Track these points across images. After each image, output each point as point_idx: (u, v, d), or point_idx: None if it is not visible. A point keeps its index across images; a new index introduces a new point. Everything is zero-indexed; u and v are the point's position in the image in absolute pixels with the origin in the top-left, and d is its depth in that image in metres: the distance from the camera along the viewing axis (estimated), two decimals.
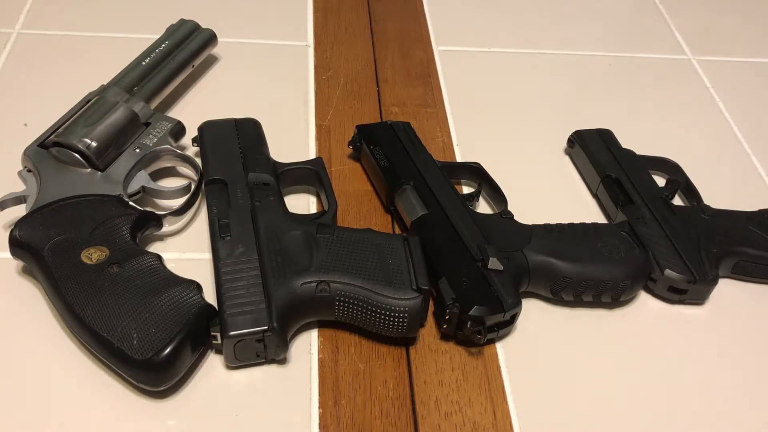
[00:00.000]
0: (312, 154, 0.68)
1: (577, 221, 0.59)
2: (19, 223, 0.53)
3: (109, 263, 0.50)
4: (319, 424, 0.49)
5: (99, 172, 0.57)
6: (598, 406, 0.51)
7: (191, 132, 0.64)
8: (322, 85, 0.76)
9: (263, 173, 0.59)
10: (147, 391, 0.48)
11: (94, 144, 0.57)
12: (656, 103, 0.79)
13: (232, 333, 0.48)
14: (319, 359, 0.52)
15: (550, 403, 0.51)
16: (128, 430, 0.47)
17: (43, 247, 0.51)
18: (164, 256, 0.53)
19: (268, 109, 0.69)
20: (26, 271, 0.55)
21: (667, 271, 0.57)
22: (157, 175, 0.62)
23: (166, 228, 0.58)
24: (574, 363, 0.54)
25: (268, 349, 0.49)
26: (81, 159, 0.57)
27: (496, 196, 0.62)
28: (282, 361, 0.51)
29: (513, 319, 0.53)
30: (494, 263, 0.53)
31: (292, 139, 0.69)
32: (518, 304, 0.52)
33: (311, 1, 0.87)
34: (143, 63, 0.67)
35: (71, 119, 0.60)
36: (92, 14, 0.81)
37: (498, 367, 0.53)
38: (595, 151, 0.67)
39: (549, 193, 0.67)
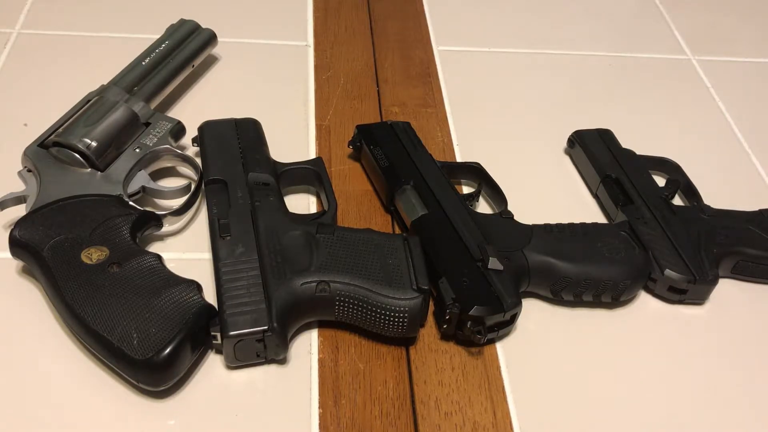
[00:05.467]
0: (312, 154, 0.68)
1: (577, 221, 0.59)
2: (19, 223, 0.53)
3: (109, 263, 0.50)
4: (319, 424, 0.49)
5: (99, 172, 0.57)
6: (598, 406, 0.51)
7: (191, 132, 0.64)
8: (322, 85, 0.76)
9: (263, 173, 0.58)
10: (147, 391, 0.48)
11: (94, 144, 0.57)
12: (656, 103, 0.79)
13: (232, 333, 0.48)
14: (319, 359, 0.52)
15: (550, 403, 0.51)
16: (128, 430, 0.47)
17: (43, 247, 0.51)
18: (164, 256, 0.53)
19: (268, 109, 0.69)
20: (26, 271, 0.55)
21: (667, 271, 0.57)
22: (157, 175, 0.62)
23: (166, 228, 0.58)
24: (574, 363, 0.54)
25: (268, 349, 0.49)
26: (81, 159, 0.57)
27: (496, 196, 0.62)
28: (282, 361, 0.51)
29: (513, 319, 0.53)
30: (494, 263, 0.53)
31: (292, 139, 0.69)
32: (518, 304, 0.52)
33: (311, 1, 0.87)
34: (143, 63, 0.67)
35: (71, 119, 0.60)
36: (92, 14, 0.81)
37: (498, 367, 0.53)
38: (595, 151, 0.67)
39: (549, 193, 0.67)
